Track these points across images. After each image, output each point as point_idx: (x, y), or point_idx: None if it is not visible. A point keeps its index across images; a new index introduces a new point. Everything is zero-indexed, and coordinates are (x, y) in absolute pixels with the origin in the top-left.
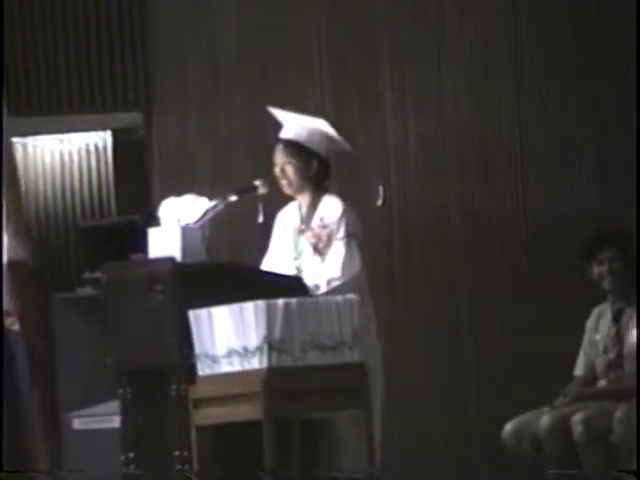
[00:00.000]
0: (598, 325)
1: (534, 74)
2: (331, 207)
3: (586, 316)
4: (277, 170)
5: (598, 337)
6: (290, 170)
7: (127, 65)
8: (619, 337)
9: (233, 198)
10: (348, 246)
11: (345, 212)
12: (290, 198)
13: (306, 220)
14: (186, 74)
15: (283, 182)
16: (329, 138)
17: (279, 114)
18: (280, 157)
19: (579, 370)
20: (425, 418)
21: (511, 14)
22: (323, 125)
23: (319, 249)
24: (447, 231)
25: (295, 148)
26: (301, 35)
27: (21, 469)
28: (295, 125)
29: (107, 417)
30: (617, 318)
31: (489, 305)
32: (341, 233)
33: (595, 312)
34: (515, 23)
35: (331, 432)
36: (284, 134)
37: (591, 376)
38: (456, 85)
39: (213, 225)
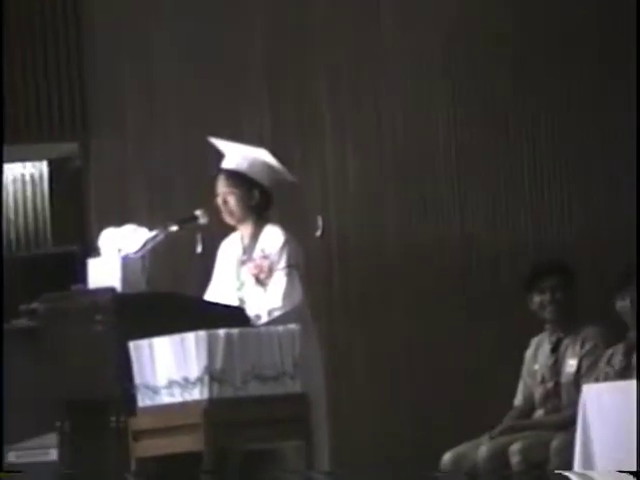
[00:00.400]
0: (537, 355)
1: (470, 99)
2: (272, 237)
3: (525, 346)
4: (219, 200)
5: (537, 367)
6: (232, 200)
7: (64, 95)
8: (557, 367)
9: (174, 228)
10: (289, 276)
11: (286, 242)
12: (231, 228)
13: (248, 251)
14: (123, 104)
15: (225, 212)
16: (271, 168)
17: (220, 144)
18: (222, 187)
19: (518, 400)
20: (362, 448)
21: (445, 43)
22: (265, 155)
23: (261, 280)
24: (385, 261)
25: (237, 178)
26: (239, 64)
27: None
28: (237, 155)
29: (43, 450)
30: (555, 348)
31: (427, 335)
32: (282, 263)
33: (534, 342)
34: (449, 52)
35: (272, 463)
36: (226, 164)
37: (530, 406)
38: (394, 115)
39: (153, 255)
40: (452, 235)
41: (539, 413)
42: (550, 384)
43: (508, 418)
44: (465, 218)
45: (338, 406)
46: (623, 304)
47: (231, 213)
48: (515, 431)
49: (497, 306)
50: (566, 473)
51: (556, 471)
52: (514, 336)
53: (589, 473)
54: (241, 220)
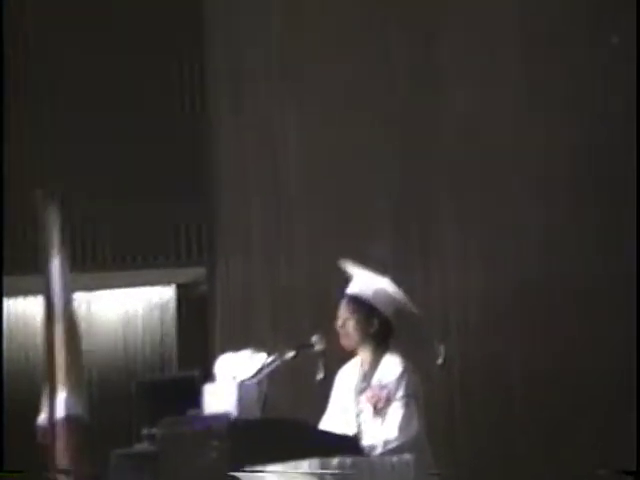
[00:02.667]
0: None
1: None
2: (391, 366)
3: None
4: (339, 323)
5: None
6: (351, 325)
7: (191, 220)
8: None
9: (290, 354)
10: (407, 407)
11: (405, 371)
12: (352, 353)
13: (367, 378)
14: (250, 229)
15: (343, 336)
16: (394, 298)
17: (349, 267)
18: (343, 311)
19: None
20: None
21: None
22: (388, 285)
23: (378, 409)
24: (509, 391)
25: (358, 304)
26: (364, 188)
27: None
28: (361, 281)
29: None
30: None
31: None
32: (400, 393)
33: None
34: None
35: None
36: (350, 289)
37: None
38: (520, 240)
39: (271, 380)
40: (581, 364)
41: None
42: None
43: None
44: (596, 339)
45: None
46: None
47: (348, 337)
48: None
49: None
50: None
51: None
52: None
53: None
54: (358, 345)
